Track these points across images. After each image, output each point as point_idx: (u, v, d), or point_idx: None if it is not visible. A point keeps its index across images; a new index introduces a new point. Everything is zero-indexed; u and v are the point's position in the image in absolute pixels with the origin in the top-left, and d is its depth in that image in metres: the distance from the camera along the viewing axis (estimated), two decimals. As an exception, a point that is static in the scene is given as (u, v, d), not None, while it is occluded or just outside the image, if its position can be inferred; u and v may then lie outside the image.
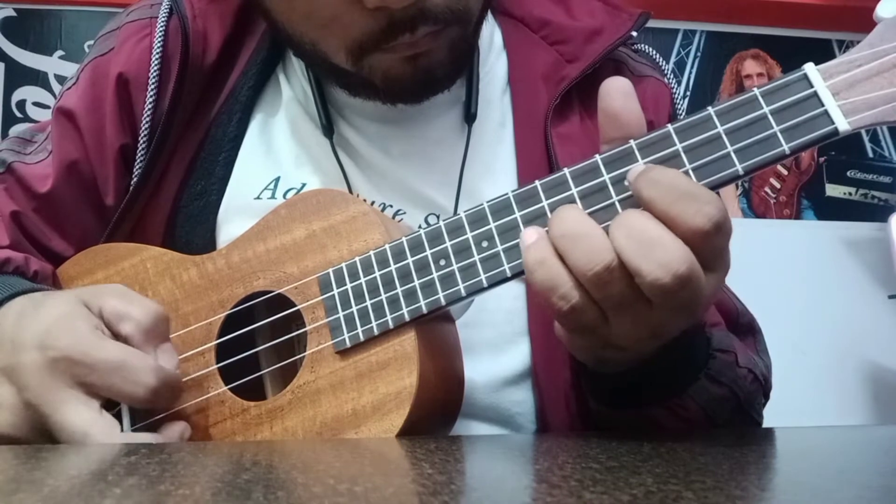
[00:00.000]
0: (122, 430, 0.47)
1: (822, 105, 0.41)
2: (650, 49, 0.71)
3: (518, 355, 0.60)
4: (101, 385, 0.46)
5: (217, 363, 0.53)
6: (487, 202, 0.46)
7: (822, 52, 2.15)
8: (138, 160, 0.63)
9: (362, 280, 0.49)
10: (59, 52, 1.90)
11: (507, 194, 0.46)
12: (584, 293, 0.40)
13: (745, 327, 0.65)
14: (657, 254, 0.38)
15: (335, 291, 0.50)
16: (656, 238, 0.39)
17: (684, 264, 0.38)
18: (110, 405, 0.47)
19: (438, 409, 0.51)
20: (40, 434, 0.47)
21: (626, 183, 0.42)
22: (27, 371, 0.46)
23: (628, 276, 0.39)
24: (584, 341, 0.45)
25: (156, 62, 0.63)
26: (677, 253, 0.38)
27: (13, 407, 0.47)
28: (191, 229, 0.62)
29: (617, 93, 0.44)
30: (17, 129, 1.87)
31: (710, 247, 0.40)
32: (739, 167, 0.42)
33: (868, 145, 2.17)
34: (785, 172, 2.10)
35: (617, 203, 0.43)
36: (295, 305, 0.51)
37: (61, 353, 0.46)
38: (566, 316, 0.41)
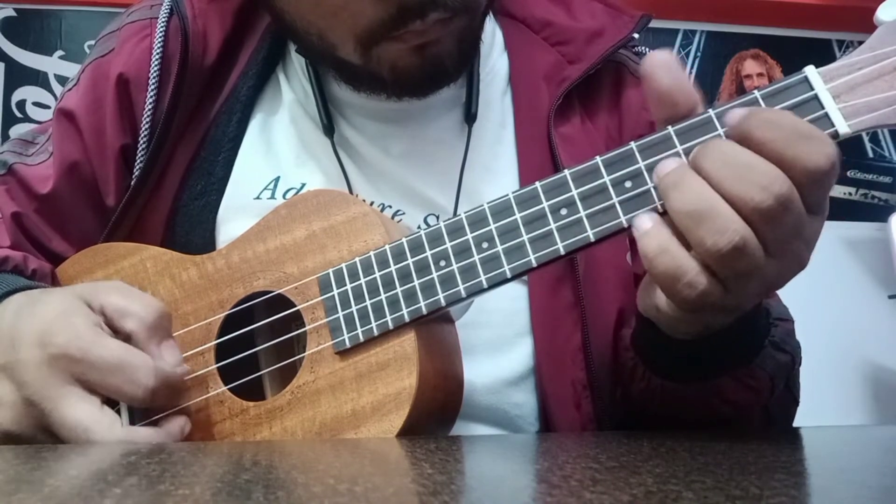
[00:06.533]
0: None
1: (823, 108, 0.41)
2: (651, 51, 0.71)
3: (519, 356, 0.60)
4: (99, 383, 0.46)
5: (216, 363, 0.53)
6: (488, 203, 0.46)
7: (822, 52, 2.15)
8: (138, 160, 0.63)
9: (362, 281, 0.49)
10: (59, 52, 1.90)
11: (507, 196, 0.46)
12: (710, 274, 0.39)
13: None
14: (755, 176, 0.38)
15: (335, 292, 0.50)
16: (749, 162, 0.38)
17: (785, 184, 0.37)
18: (111, 401, 0.47)
19: (438, 410, 0.51)
20: (42, 431, 0.47)
21: (722, 129, 0.41)
22: (26, 368, 0.46)
23: (757, 245, 0.38)
24: (702, 317, 0.43)
25: (156, 62, 0.63)
26: (774, 173, 0.38)
27: (13, 404, 0.47)
28: (190, 229, 0.62)
29: (662, 70, 0.42)
30: (17, 130, 1.88)
31: (824, 187, 0.39)
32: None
33: (868, 145, 2.17)
34: (785, 172, 2.10)
35: (617, 205, 0.43)
36: (295, 306, 0.51)
37: (60, 349, 0.46)
38: (691, 301, 0.40)
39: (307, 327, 0.50)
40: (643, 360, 0.54)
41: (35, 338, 0.47)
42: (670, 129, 0.43)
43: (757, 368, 0.50)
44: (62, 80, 1.89)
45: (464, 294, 0.47)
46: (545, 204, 0.45)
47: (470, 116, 0.63)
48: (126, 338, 0.48)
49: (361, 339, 0.49)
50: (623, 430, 0.60)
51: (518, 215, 0.45)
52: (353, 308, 0.49)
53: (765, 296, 0.44)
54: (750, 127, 0.39)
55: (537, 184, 0.45)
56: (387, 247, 0.49)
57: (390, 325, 0.48)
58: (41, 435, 0.47)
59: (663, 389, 0.53)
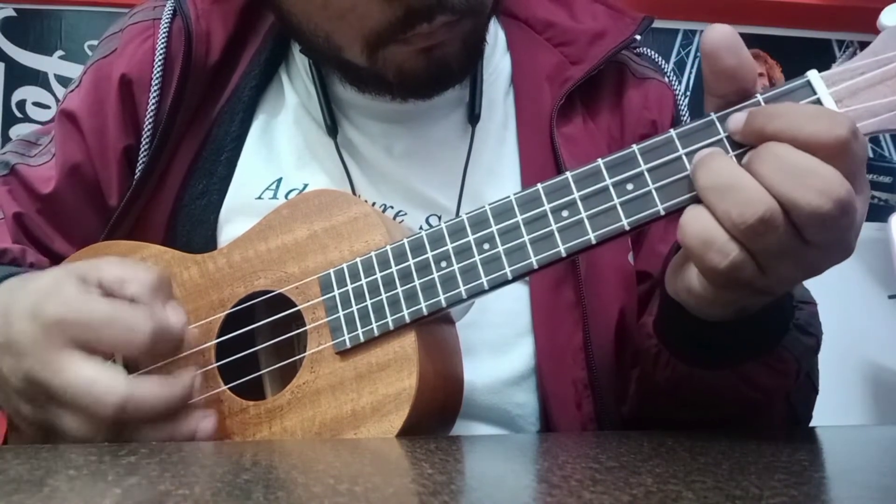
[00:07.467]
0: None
1: (825, 112, 0.41)
2: (652, 52, 0.72)
3: (520, 356, 0.60)
4: (97, 340, 0.45)
5: (217, 362, 0.53)
6: (489, 204, 0.46)
7: (822, 53, 2.15)
8: (140, 160, 0.63)
9: (363, 281, 0.49)
10: (59, 52, 1.90)
11: (508, 197, 0.46)
12: (742, 246, 0.39)
13: None
14: (813, 181, 0.37)
15: (336, 292, 0.50)
16: (808, 166, 0.37)
17: (843, 188, 0.37)
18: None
19: (438, 410, 0.51)
20: (49, 404, 0.45)
21: (733, 133, 0.41)
22: (22, 342, 0.45)
23: (786, 223, 0.38)
24: (735, 295, 0.42)
25: (159, 63, 0.63)
26: (833, 177, 0.37)
27: (18, 385, 0.45)
28: (192, 229, 0.62)
29: (725, 48, 0.40)
30: (17, 130, 1.88)
31: (854, 159, 0.38)
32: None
33: (868, 146, 2.17)
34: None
35: (619, 207, 0.43)
36: (295, 305, 0.51)
37: (53, 318, 0.45)
38: (723, 273, 0.39)
39: (308, 327, 0.50)
40: (667, 347, 0.54)
41: (27, 311, 0.46)
42: (672, 132, 0.43)
43: (784, 352, 0.50)
44: (62, 80, 1.89)
45: (464, 295, 0.47)
46: (546, 206, 0.45)
47: (473, 117, 0.63)
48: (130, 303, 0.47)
49: (362, 339, 0.49)
50: (623, 430, 0.60)
51: (519, 217, 0.45)
52: (354, 308, 0.49)
53: (803, 280, 0.43)
54: (761, 123, 0.39)
55: (539, 185, 0.45)
56: (388, 247, 0.49)
57: (391, 326, 0.48)
58: (49, 413, 0.45)
59: (691, 377, 0.52)
